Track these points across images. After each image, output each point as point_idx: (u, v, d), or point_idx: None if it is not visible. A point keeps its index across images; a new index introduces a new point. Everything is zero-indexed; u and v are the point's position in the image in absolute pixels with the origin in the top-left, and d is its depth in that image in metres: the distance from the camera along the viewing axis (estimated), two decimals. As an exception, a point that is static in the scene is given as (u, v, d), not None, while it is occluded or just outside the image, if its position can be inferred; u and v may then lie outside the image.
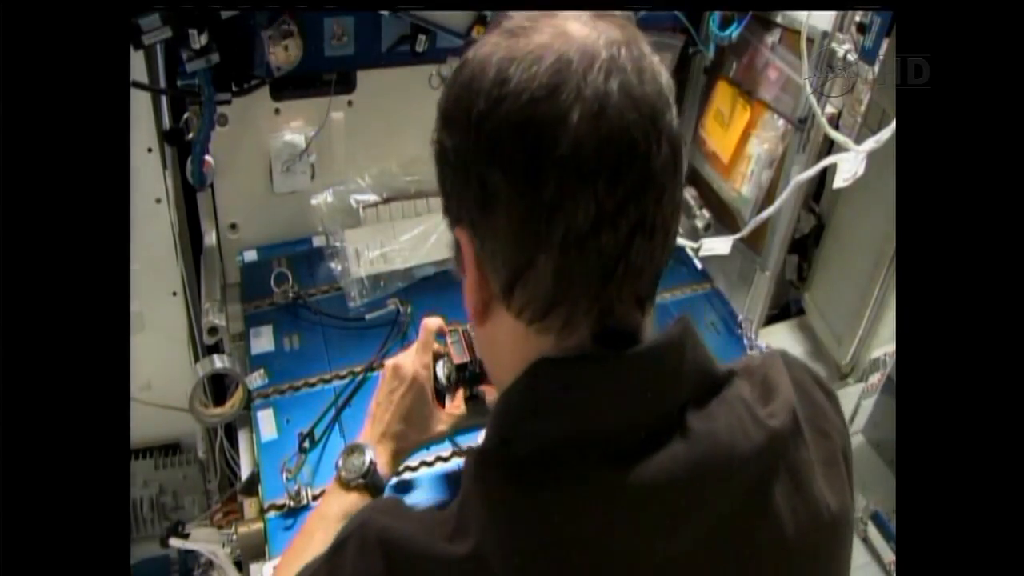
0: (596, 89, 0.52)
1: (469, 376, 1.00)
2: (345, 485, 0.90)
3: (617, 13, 1.50)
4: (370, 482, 0.90)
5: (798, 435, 0.62)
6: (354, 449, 0.92)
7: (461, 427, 1.02)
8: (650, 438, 0.55)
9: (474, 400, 1.02)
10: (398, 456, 0.97)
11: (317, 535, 0.85)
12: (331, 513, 0.88)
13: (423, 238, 1.44)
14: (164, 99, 1.20)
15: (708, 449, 0.56)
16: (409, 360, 0.98)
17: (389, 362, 0.99)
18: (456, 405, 1.02)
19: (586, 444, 0.56)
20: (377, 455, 0.92)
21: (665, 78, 0.58)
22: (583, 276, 0.55)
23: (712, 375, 0.60)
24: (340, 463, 0.91)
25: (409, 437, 0.97)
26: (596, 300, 0.56)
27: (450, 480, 1.11)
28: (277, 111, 1.34)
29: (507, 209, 0.55)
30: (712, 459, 0.56)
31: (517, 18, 0.58)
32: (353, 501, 0.89)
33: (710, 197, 1.65)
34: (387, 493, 1.07)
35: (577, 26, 0.56)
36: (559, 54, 0.53)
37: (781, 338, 1.59)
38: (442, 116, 0.60)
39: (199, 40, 1.04)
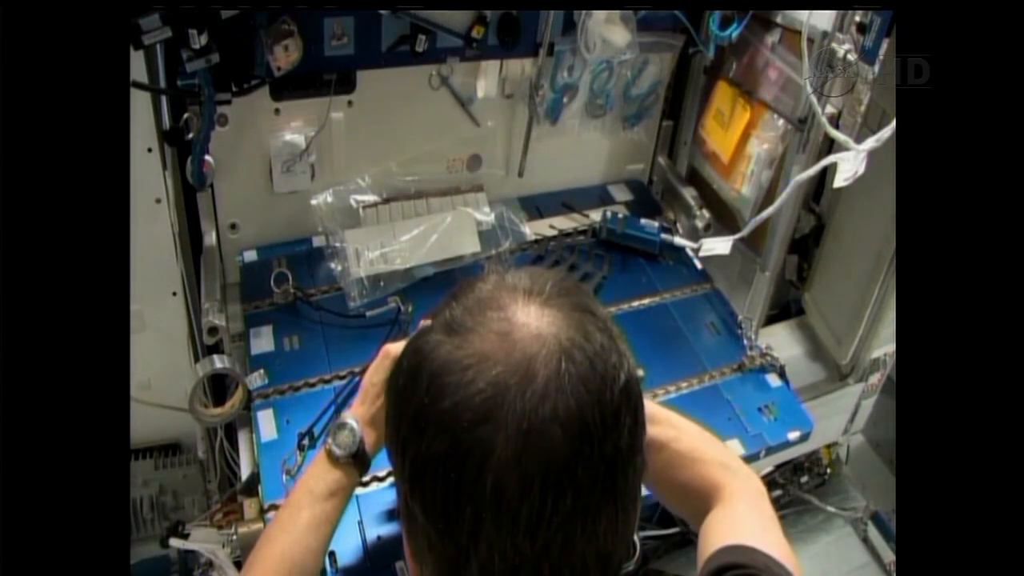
0: (525, 421, 0.49)
1: None
2: (333, 460, 0.90)
3: (617, 14, 1.49)
4: (358, 460, 0.91)
5: None
6: (343, 425, 0.91)
7: None
8: None
9: None
10: (381, 440, 0.96)
11: (304, 512, 0.86)
12: (318, 489, 0.88)
13: (423, 238, 1.44)
14: (164, 99, 1.20)
15: None
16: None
17: (387, 346, 0.99)
18: None
19: None
20: (365, 434, 0.92)
21: (623, 379, 0.54)
22: None
23: None
24: (329, 438, 0.91)
25: None
26: None
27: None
28: (277, 111, 1.34)
29: (427, 540, 0.55)
30: None
31: (459, 311, 0.55)
32: (338, 478, 0.89)
33: (710, 197, 1.65)
34: (381, 491, 1.08)
35: (525, 321, 0.53)
36: (495, 375, 0.50)
37: (781, 338, 1.59)
38: (387, 408, 0.59)
39: (199, 40, 1.04)
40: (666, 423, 0.87)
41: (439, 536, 0.53)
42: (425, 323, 0.59)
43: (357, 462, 0.90)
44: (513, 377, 0.50)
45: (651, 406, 0.89)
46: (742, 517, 0.78)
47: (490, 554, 0.51)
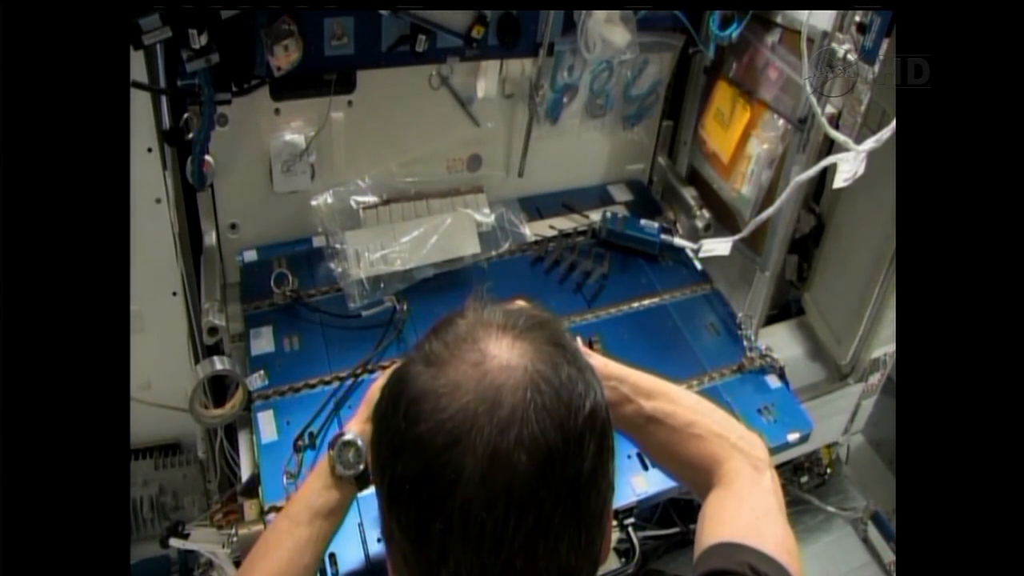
0: (491, 446, 0.53)
1: None
2: (336, 477, 0.89)
3: (617, 14, 1.48)
4: (360, 478, 0.90)
5: None
6: (350, 444, 0.90)
7: None
8: None
9: None
10: None
11: (303, 529, 0.86)
12: (317, 506, 0.88)
13: (423, 240, 1.44)
14: (164, 99, 1.20)
15: None
16: None
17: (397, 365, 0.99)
18: None
19: None
20: (369, 452, 0.92)
21: (588, 408, 0.57)
22: None
23: None
24: (334, 455, 0.90)
25: None
26: None
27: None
28: (277, 111, 1.34)
29: (403, 556, 0.59)
30: None
31: (438, 344, 0.59)
32: (339, 497, 0.89)
33: (710, 197, 1.65)
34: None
35: (497, 354, 0.57)
36: (466, 403, 0.54)
37: (781, 338, 1.59)
38: (371, 433, 0.63)
39: (199, 40, 1.04)
40: (663, 397, 0.87)
41: (413, 552, 0.57)
42: (409, 355, 0.63)
43: (359, 480, 0.90)
44: (482, 405, 0.54)
45: (648, 379, 0.89)
46: (736, 505, 0.77)
47: (457, 569, 0.55)
